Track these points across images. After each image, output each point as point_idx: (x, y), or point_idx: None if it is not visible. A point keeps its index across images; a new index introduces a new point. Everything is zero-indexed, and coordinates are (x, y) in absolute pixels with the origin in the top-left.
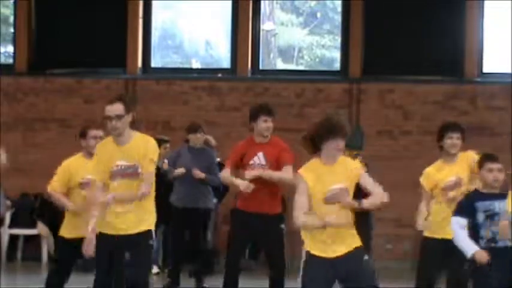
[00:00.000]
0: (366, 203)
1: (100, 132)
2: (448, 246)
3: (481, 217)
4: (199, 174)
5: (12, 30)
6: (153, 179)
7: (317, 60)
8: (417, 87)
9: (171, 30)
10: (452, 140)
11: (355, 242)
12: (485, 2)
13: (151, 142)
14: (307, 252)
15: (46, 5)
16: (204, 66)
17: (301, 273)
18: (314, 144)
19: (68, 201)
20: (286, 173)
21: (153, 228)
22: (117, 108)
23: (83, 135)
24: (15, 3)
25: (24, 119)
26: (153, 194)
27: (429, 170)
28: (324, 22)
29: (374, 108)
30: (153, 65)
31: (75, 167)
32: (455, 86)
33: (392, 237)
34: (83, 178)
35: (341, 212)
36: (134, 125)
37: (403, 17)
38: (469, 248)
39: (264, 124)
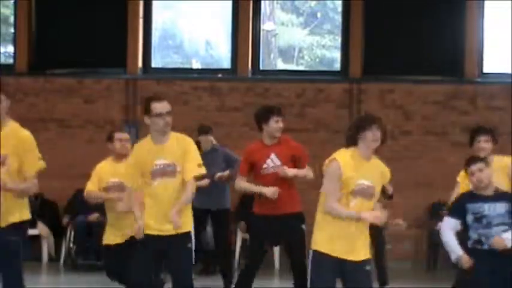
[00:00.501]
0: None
1: (125, 135)
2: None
3: (470, 219)
4: (222, 175)
5: (12, 30)
6: (193, 189)
7: (317, 60)
8: (417, 87)
9: (172, 30)
10: (480, 143)
11: (368, 252)
12: (485, 2)
13: (191, 143)
14: (315, 252)
15: (46, 5)
16: (204, 67)
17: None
18: (352, 139)
19: (106, 194)
20: (310, 171)
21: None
22: (166, 105)
23: (110, 139)
24: (15, 3)
25: (24, 119)
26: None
27: (463, 173)
28: (324, 22)
29: (374, 108)
30: (153, 65)
31: (104, 171)
32: (456, 86)
33: (393, 237)
34: (107, 183)
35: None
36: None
37: (403, 17)
38: (455, 251)
39: (276, 125)
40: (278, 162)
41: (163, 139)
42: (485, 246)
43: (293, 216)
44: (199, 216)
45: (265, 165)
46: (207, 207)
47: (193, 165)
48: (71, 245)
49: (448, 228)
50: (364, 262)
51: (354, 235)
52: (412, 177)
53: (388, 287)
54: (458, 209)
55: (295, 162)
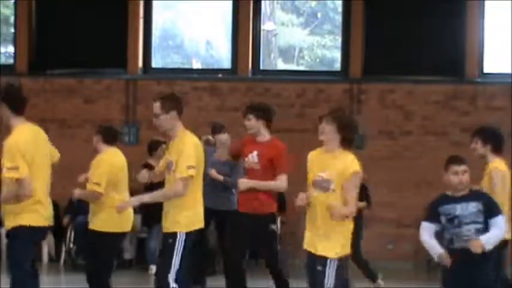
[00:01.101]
0: (337, 211)
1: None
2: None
3: (443, 220)
4: (215, 175)
5: (12, 30)
6: (176, 189)
7: (318, 60)
8: (418, 87)
9: (172, 30)
10: (471, 144)
11: (332, 247)
12: (485, 2)
13: (186, 143)
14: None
15: (46, 5)
16: (204, 67)
17: None
18: None
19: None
20: (279, 183)
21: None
22: (155, 106)
23: None
24: (15, 3)
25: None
26: (190, 194)
27: None
28: (325, 22)
29: (374, 109)
30: (153, 65)
31: None
32: (456, 86)
33: (393, 237)
34: None
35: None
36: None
37: (403, 17)
38: (434, 249)
39: (245, 123)
40: (256, 161)
41: (172, 138)
42: (456, 245)
43: (262, 216)
44: (205, 216)
45: (246, 159)
46: (212, 207)
47: (182, 167)
48: (71, 245)
49: (425, 230)
50: (317, 260)
51: (318, 228)
52: (412, 177)
53: (382, 281)
54: (431, 214)
55: (274, 165)
